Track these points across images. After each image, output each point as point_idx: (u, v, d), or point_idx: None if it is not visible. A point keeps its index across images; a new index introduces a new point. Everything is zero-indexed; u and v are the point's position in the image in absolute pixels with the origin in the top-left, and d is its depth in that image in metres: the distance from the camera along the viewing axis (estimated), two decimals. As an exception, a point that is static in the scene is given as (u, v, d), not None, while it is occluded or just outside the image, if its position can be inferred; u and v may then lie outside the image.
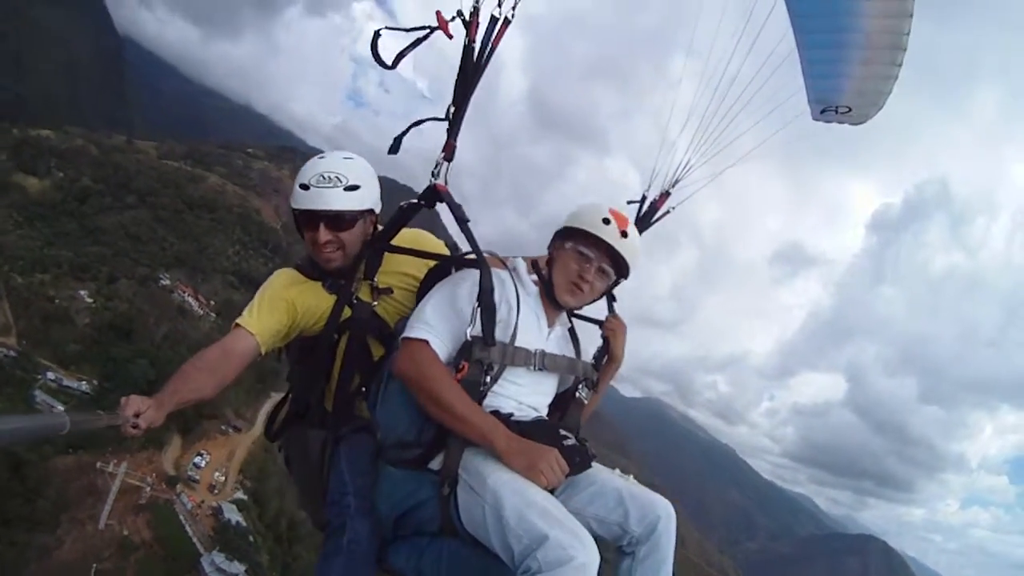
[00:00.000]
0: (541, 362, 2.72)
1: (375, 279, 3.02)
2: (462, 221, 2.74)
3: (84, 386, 68.36)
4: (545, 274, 2.85)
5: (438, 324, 2.59)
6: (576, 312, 3.04)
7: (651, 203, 3.79)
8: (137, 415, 2.33)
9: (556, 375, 2.86)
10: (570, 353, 2.92)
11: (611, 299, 3.11)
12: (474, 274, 2.62)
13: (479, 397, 2.54)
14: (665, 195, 3.82)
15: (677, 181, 3.81)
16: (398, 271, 3.10)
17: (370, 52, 2.78)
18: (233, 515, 65.39)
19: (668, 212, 3.86)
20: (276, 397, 3.52)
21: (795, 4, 3.60)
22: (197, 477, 67.99)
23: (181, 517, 62.80)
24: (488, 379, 2.58)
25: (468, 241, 2.70)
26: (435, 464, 2.50)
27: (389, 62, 2.80)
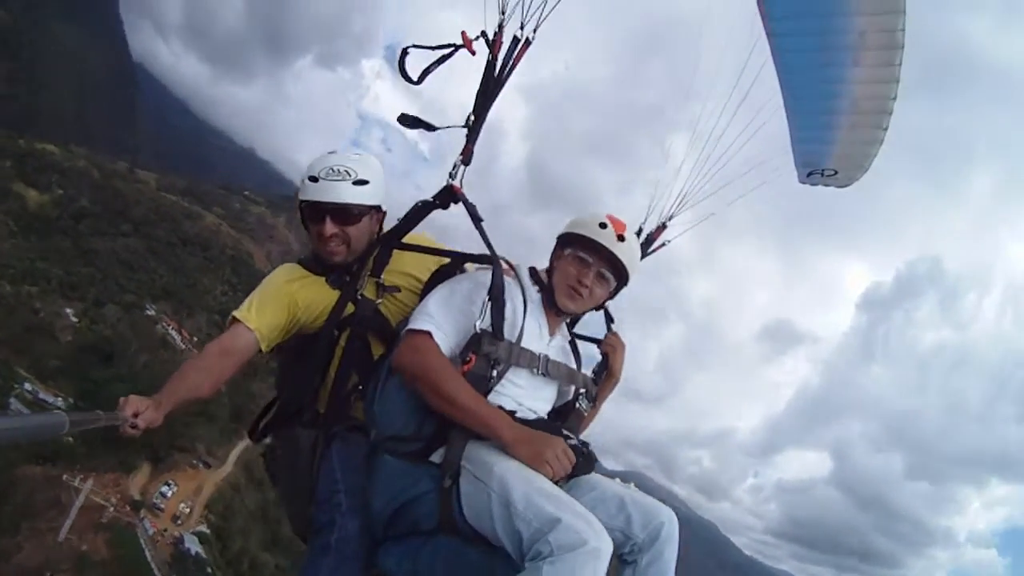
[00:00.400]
0: (545, 367, 2.88)
1: (382, 277, 3.17)
2: (477, 220, 2.95)
3: (60, 402, 71.63)
4: (546, 282, 3.04)
5: (442, 318, 2.74)
6: (575, 333, 3.26)
7: (648, 235, 3.98)
8: (136, 415, 2.50)
9: (556, 383, 3.00)
10: (571, 364, 3.09)
11: (609, 319, 3.34)
12: (481, 273, 2.93)
13: (484, 391, 2.66)
14: (662, 227, 4.06)
15: (673, 215, 4.05)
16: (404, 271, 3.25)
17: (397, 68, 3.06)
18: (194, 546, 68.61)
19: (664, 244, 4.10)
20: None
21: (785, 72, 3.91)
22: (162, 506, 70.97)
23: (141, 541, 65.72)
24: (495, 374, 2.71)
25: (482, 239, 2.91)
26: (436, 457, 2.60)
27: (415, 78, 3.11)
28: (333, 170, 3.03)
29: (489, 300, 2.73)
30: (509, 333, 2.76)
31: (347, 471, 2.92)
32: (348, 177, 3.02)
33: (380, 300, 3.14)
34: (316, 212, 3.07)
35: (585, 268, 2.93)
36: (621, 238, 2.94)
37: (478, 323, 2.70)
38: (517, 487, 2.38)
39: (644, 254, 3.87)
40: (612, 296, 3.15)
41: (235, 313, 3.05)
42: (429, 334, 2.67)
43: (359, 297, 3.12)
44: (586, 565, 2.13)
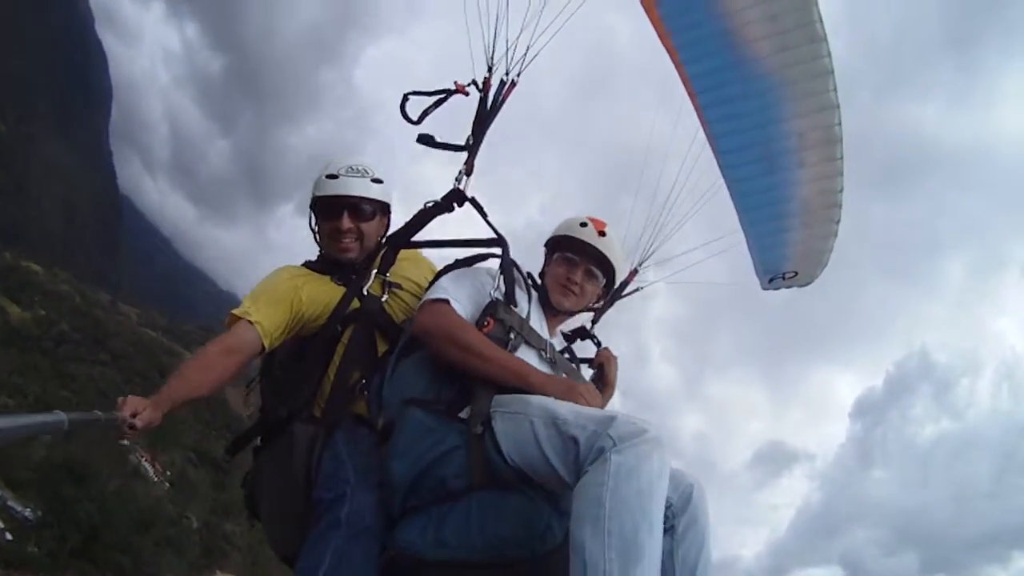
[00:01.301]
0: (552, 354, 3.26)
1: (388, 275, 3.52)
2: (483, 214, 3.49)
3: (28, 512, 78.48)
4: (540, 284, 3.58)
5: (456, 291, 3.15)
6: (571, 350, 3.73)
7: (621, 282, 4.28)
8: (134, 415, 2.69)
9: (561, 375, 3.27)
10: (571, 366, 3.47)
11: (597, 343, 3.87)
12: (485, 264, 3.43)
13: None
14: (633, 272, 4.62)
15: (643, 261, 4.70)
16: (405, 276, 3.60)
17: (399, 111, 3.68)
18: None
19: (637, 289, 4.69)
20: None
21: (733, 185, 4.56)
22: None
23: None
24: (512, 337, 3.08)
25: (491, 228, 3.44)
26: (462, 415, 2.85)
27: (415, 118, 3.71)
28: (352, 168, 3.56)
29: (501, 273, 3.27)
30: (519, 309, 3.24)
31: (354, 453, 3.12)
32: (367, 175, 3.56)
33: (385, 297, 3.50)
34: (334, 207, 3.52)
35: (573, 267, 3.50)
36: (602, 234, 3.51)
37: (492, 291, 3.22)
38: (561, 406, 2.69)
39: (618, 296, 4.43)
40: (603, 297, 3.81)
41: (234, 311, 3.31)
42: (447, 301, 3.09)
43: (365, 293, 3.46)
44: (652, 452, 2.35)
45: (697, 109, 4.45)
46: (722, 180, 4.67)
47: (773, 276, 5.17)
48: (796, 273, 5.12)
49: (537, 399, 2.79)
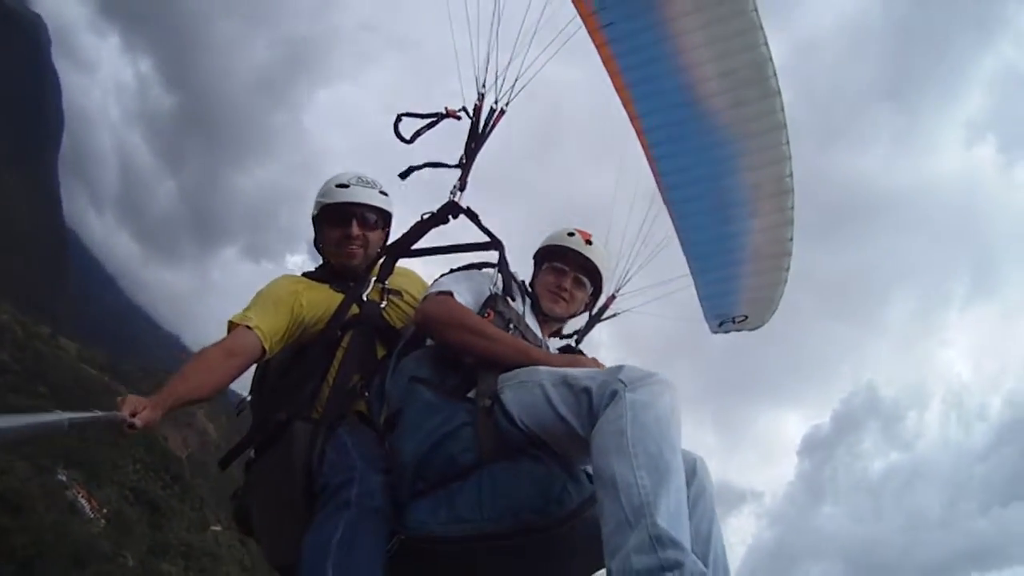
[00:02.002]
0: (545, 347, 3.33)
1: (386, 283, 3.61)
2: (478, 222, 3.66)
3: None
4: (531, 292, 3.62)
5: (457, 286, 3.22)
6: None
7: (600, 308, 4.58)
8: (134, 414, 2.66)
9: None
10: None
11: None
12: (482, 267, 3.51)
13: None
14: (611, 299, 4.75)
15: (619, 287, 4.81)
16: (401, 286, 3.70)
17: (392, 131, 3.86)
18: None
19: (616, 314, 4.85)
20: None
21: (685, 234, 4.65)
22: None
23: None
24: (511, 328, 3.17)
25: (487, 233, 3.63)
26: (471, 394, 2.85)
27: (408, 137, 3.92)
28: (362, 179, 3.69)
29: (499, 273, 3.39)
30: (516, 306, 3.32)
31: (359, 443, 3.07)
32: (375, 186, 3.71)
33: (384, 304, 3.58)
34: (343, 215, 3.62)
35: (563, 275, 3.60)
36: (589, 242, 3.64)
37: (493, 287, 3.31)
38: (568, 370, 2.73)
39: (597, 320, 4.64)
40: (591, 305, 3.93)
41: (232, 318, 3.31)
42: (450, 293, 3.15)
43: (364, 299, 3.54)
44: (664, 390, 2.39)
45: (651, 161, 4.52)
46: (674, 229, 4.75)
47: (723, 320, 5.28)
48: (746, 317, 5.22)
49: (544, 368, 2.82)
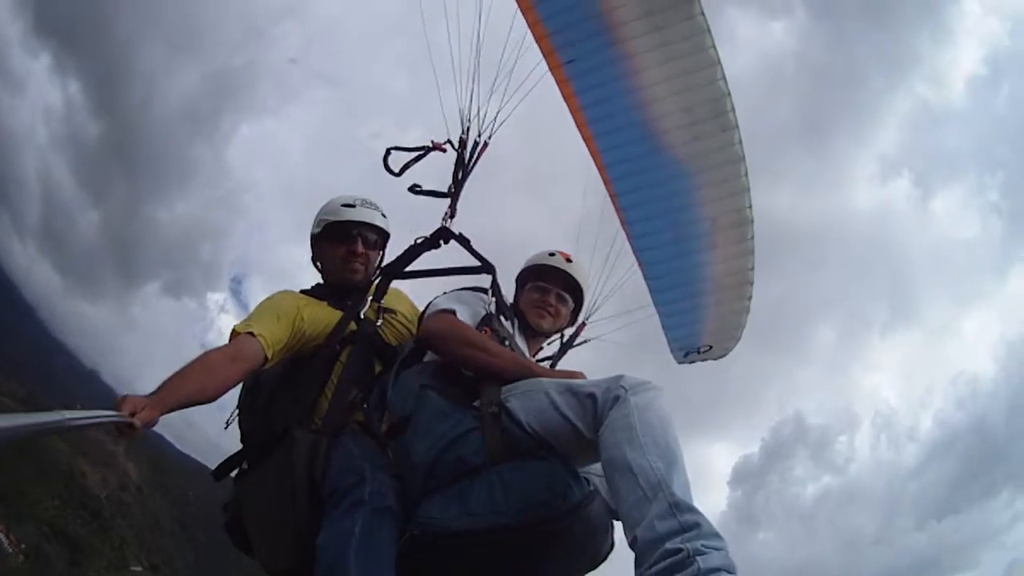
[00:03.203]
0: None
1: (382, 302, 3.66)
2: (470, 247, 3.80)
3: None
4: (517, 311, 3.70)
5: (456, 305, 3.28)
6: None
7: (571, 335, 4.64)
8: (133, 414, 2.56)
9: None
10: None
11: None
12: (475, 290, 3.56)
13: None
14: (582, 325, 4.72)
15: (589, 315, 4.75)
16: (394, 306, 3.75)
17: (382, 164, 4.04)
18: None
19: (586, 341, 4.87)
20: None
21: (648, 267, 4.72)
22: None
23: None
24: (506, 345, 3.23)
25: (479, 258, 3.78)
26: (476, 404, 2.89)
27: (396, 170, 4.06)
28: (367, 201, 3.77)
29: (493, 295, 3.50)
30: (508, 326, 3.42)
31: (364, 449, 3.04)
32: (378, 208, 3.78)
33: (380, 322, 3.59)
34: (349, 233, 3.69)
35: (546, 292, 3.69)
36: (569, 260, 3.75)
37: (486, 307, 3.38)
38: (570, 380, 2.86)
39: (569, 347, 4.68)
40: (574, 320, 4.00)
41: (234, 327, 3.25)
42: (452, 311, 3.22)
43: (362, 317, 3.56)
44: (659, 396, 2.55)
45: (612, 195, 4.54)
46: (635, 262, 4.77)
47: (688, 351, 5.28)
48: (711, 347, 5.25)
49: (546, 379, 2.90)
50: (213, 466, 3.51)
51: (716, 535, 2.17)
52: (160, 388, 2.85)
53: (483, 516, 2.70)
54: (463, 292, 3.56)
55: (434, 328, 3.22)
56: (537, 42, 4.04)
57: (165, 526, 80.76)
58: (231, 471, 3.44)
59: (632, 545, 2.28)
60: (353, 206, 3.74)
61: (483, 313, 3.36)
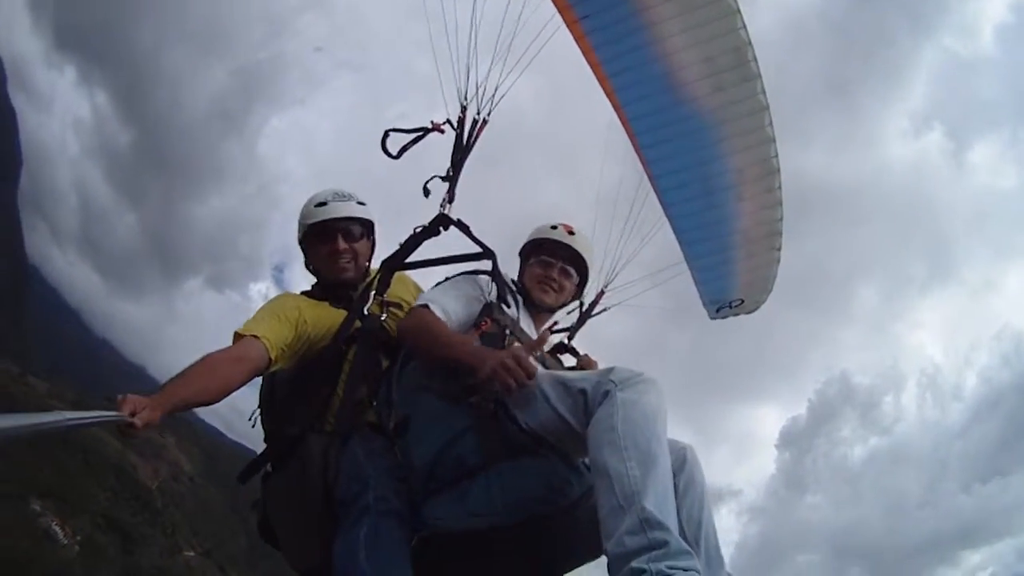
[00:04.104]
0: (540, 353, 3.29)
1: (385, 296, 3.57)
2: (469, 233, 3.64)
3: None
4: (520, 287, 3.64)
5: (438, 296, 3.25)
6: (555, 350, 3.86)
7: (590, 303, 4.59)
8: (133, 414, 2.53)
9: None
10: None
11: (577, 354, 3.99)
12: (476, 275, 3.46)
13: (502, 346, 3.07)
14: (600, 294, 4.67)
15: (608, 283, 4.69)
16: (399, 296, 3.65)
17: (380, 147, 3.88)
18: None
19: (605, 309, 4.74)
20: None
21: (677, 221, 4.56)
22: None
23: None
24: (508, 333, 3.15)
25: (479, 244, 3.60)
26: (472, 400, 2.84)
27: (395, 153, 3.93)
28: (338, 194, 3.69)
29: (493, 281, 3.38)
30: (511, 312, 3.31)
31: (371, 454, 3.05)
32: (352, 199, 3.70)
33: (384, 316, 3.51)
34: (327, 232, 3.61)
35: (549, 267, 3.61)
36: (571, 233, 3.66)
37: (488, 295, 3.30)
38: (564, 373, 2.87)
39: (588, 316, 4.59)
40: (579, 294, 3.92)
41: (237, 330, 3.22)
42: (425, 305, 3.15)
43: (365, 313, 3.50)
44: (650, 388, 2.50)
45: (637, 149, 4.41)
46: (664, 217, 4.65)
47: (720, 305, 5.18)
48: (742, 301, 5.14)
49: (542, 370, 2.84)
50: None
51: (685, 553, 2.17)
52: (163, 388, 2.85)
53: (485, 516, 2.77)
54: (459, 279, 3.49)
55: (401, 327, 3.25)
56: (552, -1, 3.81)
57: (217, 513, 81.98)
58: (256, 473, 3.47)
59: (605, 554, 2.30)
60: (326, 203, 3.69)
61: (479, 299, 3.32)
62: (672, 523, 2.25)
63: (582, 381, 2.66)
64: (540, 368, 2.87)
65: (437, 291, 3.38)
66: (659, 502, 2.27)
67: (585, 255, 3.73)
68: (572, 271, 3.70)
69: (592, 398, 2.57)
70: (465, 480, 2.81)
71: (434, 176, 3.91)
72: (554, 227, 3.71)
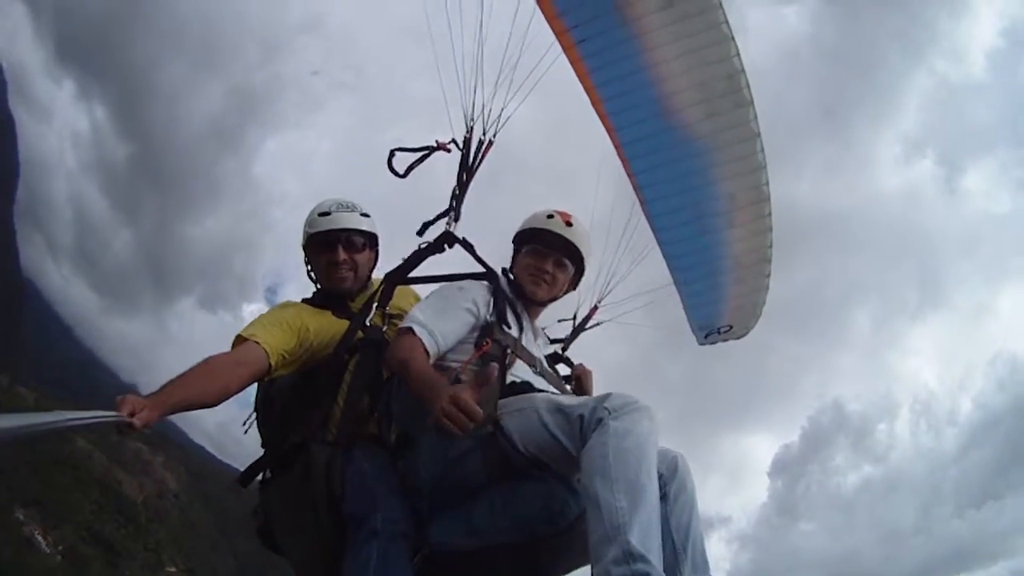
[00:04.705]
0: (541, 368, 3.30)
1: (387, 308, 3.53)
2: (473, 252, 3.63)
3: None
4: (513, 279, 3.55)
5: (424, 316, 3.11)
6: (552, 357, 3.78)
7: (584, 318, 4.58)
8: (132, 415, 2.53)
9: (549, 386, 3.24)
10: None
11: (570, 364, 3.99)
12: (466, 281, 3.41)
13: (502, 370, 2.99)
14: (594, 309, 4.68)
15: (602, 298, 4.71)
16: (400, 308, 3.58)
17: (386, 166, 3.86)
18: None
19: (599, 324, 4.72)
20: None
21: (667, 247, 4.49)
22: None
23: None
24: (509, 352, 3.12)
25: (482, 264, 3.57)
26: None
27: (402, 172, 3.91)
28: (342, 204, 3.65)
29: (493, 299, 3.30)
30: (512, 330, 3.26)
31: (376, 467, 3.03)
32: (355, 209, 3.65)
33: (385, 328, 3.47)
34: (328, 241, 3.58)
35: (543, 258, 3.46)
36: (569, 224, 3.47)
37: (487, 316, 3.23)
38: (562, 397, 2.86)
39: (582, 329, 4.59)
40: (574, 285, 3.73)
41: (238, 333, 3.24)
42: (409, 330, 3.03)
43: (368, 324, 3.45)
44: (643, 417, 2.51)
45: (630, 174, 4.37)
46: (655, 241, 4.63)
47: (709, 331, 5.13)
48: (731, 327, 5.09)
49: (540, 395, 2.89)
50: None
51: None
52: (161, 390, 2.84)
53: (487, 535, 2.86)
54: (452, 291, 3.38)
55: (386, 356, 3.23)
56: (549, 22, 3.87)
57: (204, 533, 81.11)
58: (255, 477, 3.46)
59: None
60: (329, 213, 3.67)
61: (481, 317, 3.26)
62: (655, 555, 2.30)
63: (579, 406, 2.65)
64: (540, 394, 2.93)
65: (427, 308, 3.26)
66: (643, 535, 2.32)
67: (582, 248, 3.57)
68: (567, 263, 3.56)
69: (587, 424, 2.56)
70: (468, 499, 2.86)
71: (437, 218, 3.91)
72: (550, 216, 3.55)
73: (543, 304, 3.67)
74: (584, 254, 3.59)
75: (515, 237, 3.67)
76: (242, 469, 3.54)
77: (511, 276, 3.63)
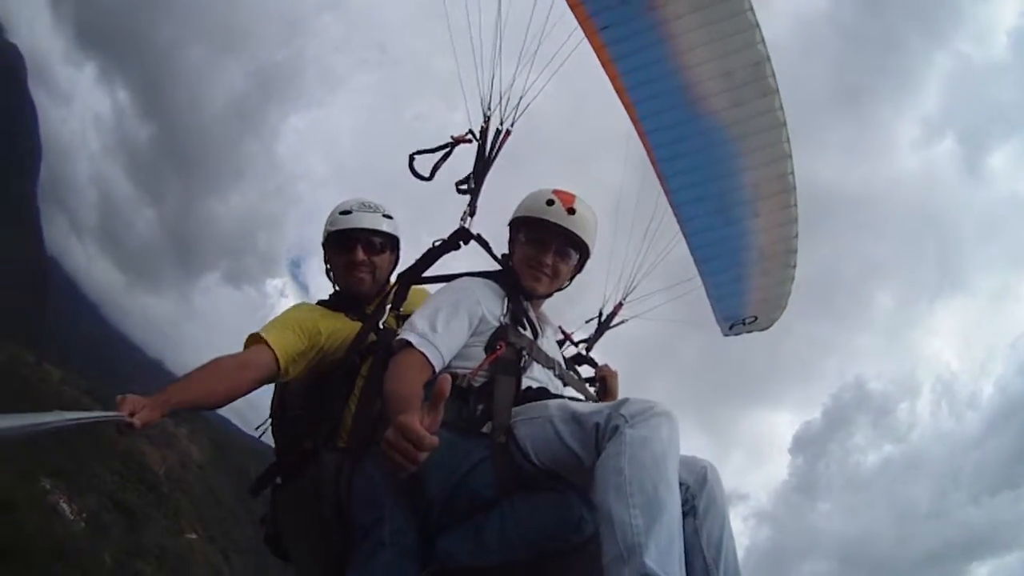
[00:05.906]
0: (560, 369, 3.15)
1: (401, 310, 3.37)
2: (489, 249, 3.41)
3: None
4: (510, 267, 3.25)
5: (429, 326, 2.87)
6: (574, 358, 3.75)
7: (608, 314, 4.46)
8: (132, 414, 2.48)
9: (570, 389, 3.14)
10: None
11: (594, 364, 3.88)
12: (467, 279, 3.19)
13: (519, 371, 2.86)
14: (619, 306, 4.53)
15: (627, 295, 4.56)
16: (415, 309, 3.23)
17: (409, 171, 3.71)
18: None
19: (624, 321, 4.57)
20: None
21: (692, 237, 4.35)
22: None
23: None
24: (525, 355, 2.92)
25: (498, 261, 3.35)
26: (484, 429, 2.69)
27: (427, 175, 3.75)
28: (365, 204, 3.54)
29: (508, 298, 3.08)
30: (528, 331, 3.07)
31: (388, 480, 2.80)
32: (378, 210, 3.53)
33: (399, 330, 3.15)
34: (348, 240, 3.46)
35: (543, 249, 3.12)
36: (571, 211, 3.09)
37: (500, 316, 3.00)
38: (577, 405, 2.64)
39: (607, 327, 4.44)
40: (579, 270, 3.35)
41: (251, 334, 3.15)
42: (407, 343, 2.80)
43: (381, 327, 3.29)
44: (661, 424, 2.32)
45: (654, 163, 4.23)
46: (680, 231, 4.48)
47: (734, 323, 4.95)
48: (756, 318, 4.91)
49: (555, 401, 2.70)
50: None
51: None
52: (165, 389, 2.78)
53: (498, 552, 2.62)
54: (457, 292, 3.13)
55: (385, 375, 2.86)
56: (572, 9, 3.74)
57: (225, 501, 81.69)
58: (267, 485, 3.34)
59: None
60: (350, 212, 3.55)
61: (480, 314, 3.00)
62: (672, 574, 2.14)
63: (594, 414, 2.48)
64: (554, 400, 2.74)
65: (428, 313, 2.97)
66: (661, 554, 2.14)
67: (587, 238, 3.19)
68: (570, 251, 3.20)
69: (602, 433, 2.41)
70: (479, 514, 2.65)
71: (468, 176, 3.77)
72: (550, 202, 3.14)
73: (543, 298, 3.36)
74: (590, 243, 3.23)
75: (511, 221, 3.33)
76: (264, 440, 3.49)
77: (510, 264, 3.32)
